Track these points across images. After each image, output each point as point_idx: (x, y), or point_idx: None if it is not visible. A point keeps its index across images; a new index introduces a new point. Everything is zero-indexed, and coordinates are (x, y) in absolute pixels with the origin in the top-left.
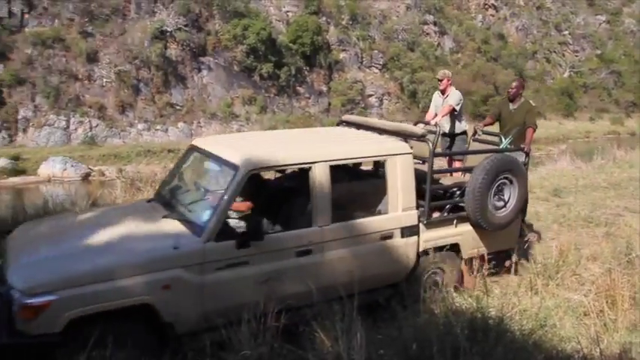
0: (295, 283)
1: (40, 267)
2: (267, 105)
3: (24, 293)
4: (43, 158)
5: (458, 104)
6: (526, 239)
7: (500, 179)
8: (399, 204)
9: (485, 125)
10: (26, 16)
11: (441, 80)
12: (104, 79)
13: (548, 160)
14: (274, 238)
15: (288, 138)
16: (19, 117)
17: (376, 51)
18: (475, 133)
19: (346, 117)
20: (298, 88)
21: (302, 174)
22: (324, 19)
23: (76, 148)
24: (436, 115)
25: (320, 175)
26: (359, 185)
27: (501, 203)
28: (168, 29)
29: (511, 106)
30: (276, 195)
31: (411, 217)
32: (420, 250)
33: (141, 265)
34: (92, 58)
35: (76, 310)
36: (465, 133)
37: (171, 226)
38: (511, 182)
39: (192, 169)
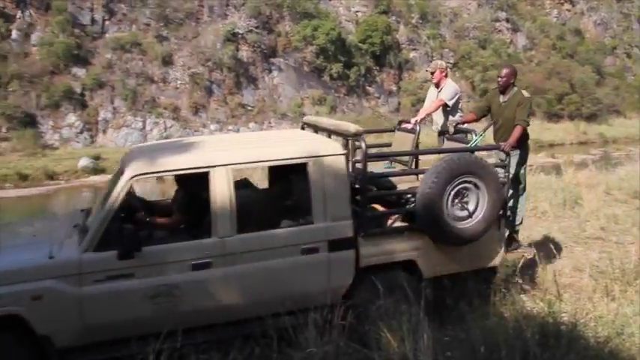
0: (193, 300)
1: None
2: (337, 105)
3: None
4: None
5: (451, 99)
6: (518, 254)
7: (460, 184)
8: (326, 213)
9: (465, 122)
10: (107, 22)
11: (432, 73)
12: (178, 81)
13: (628, 160)
14: (164, 250)
15: (214, 142)
16: (100, 118)
17: (447, 49)
18: (446, 132)
19: (306, 119)
20: (368, 87)
21: (204, 180)
22: (393, 18)
23: None
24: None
25: (219, 181)
26: (279, 191)
27: (465, 213)
28: (240, 31)
29: (501, 99)
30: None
31: (343, 228)
32: (361, 266)
33: (11, 274)
34: (167, 61)
35: None
36: (461, 131)
37: (71, 235)
38: (477, 187)
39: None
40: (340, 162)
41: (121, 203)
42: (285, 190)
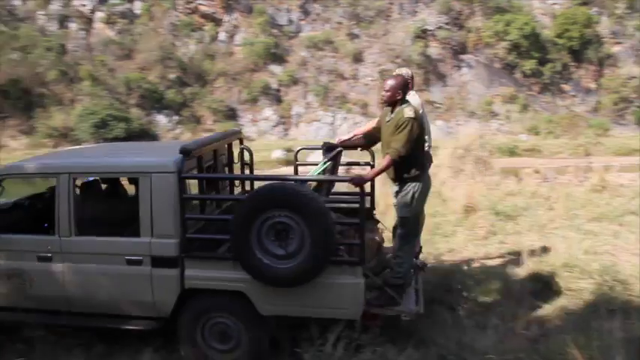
0: (39, 286)
1: None
2: (529, 104)
3: None
4: (311, 150)
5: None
6: (390, 312)
7: (273, 218)
8: (152, 228)
9: (344, 145)
10: (302, 22)
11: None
12: (368, 78)
13: None
14: (20, 239)
15: (80, 151)
16: (293, 113)
17: None
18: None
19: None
20: (563, 85)
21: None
22: (595, 9)
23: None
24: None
25: (63, 187)
26: (121, 202)
27: (287, 250)
28: (430, 28)
29: (388, 117)
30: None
31: (166, 246)
32: (185, 288)
33: None
34: (358, 58)
35: None
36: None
37: None
38: (297, 224)
39: None
40: (168, 180)
41: None
42: (125, 201)
